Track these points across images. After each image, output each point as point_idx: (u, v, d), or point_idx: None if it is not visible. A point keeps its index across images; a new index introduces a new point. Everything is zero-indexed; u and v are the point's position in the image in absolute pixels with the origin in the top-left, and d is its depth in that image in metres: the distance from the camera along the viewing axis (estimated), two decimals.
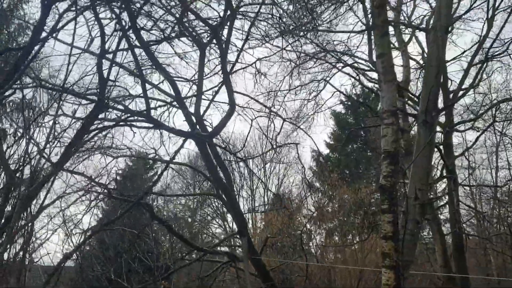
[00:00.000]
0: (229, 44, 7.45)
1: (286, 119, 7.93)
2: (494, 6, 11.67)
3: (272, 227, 20.07)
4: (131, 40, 6.39)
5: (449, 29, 12.93)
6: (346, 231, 21.80)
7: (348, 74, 11.51)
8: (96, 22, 6.04)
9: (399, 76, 12.38)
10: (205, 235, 29.22)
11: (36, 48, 4.38)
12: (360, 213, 20.45)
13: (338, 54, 9.74)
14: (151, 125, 7.35)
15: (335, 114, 26.84)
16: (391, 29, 12.33)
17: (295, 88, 9.97)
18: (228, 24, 7.20)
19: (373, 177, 23.42)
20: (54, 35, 5.24)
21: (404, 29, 12.83)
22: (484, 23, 11.67)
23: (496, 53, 12.68)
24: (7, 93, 4.91)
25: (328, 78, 11.20)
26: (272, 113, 7.53)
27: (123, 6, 5.53)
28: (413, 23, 13.16)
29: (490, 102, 14.25)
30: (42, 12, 3.72)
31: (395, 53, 12.73)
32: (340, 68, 10.32)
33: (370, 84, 13.40)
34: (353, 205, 20.54)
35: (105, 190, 6.28)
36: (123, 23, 5.73)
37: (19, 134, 5.53)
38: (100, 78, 4.67)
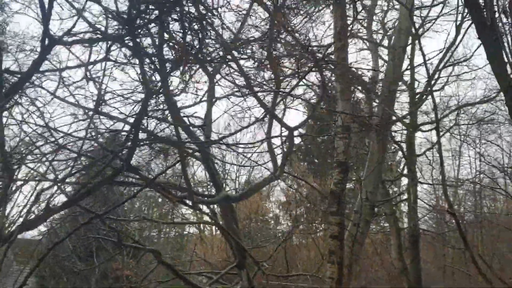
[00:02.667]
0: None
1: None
2: (462, 14, 12.24)
3: (239, 213, 20.61)
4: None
5: (419, 33, 13.55)
6: (312, 218, 22.54)
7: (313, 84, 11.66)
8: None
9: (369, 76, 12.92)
10: (174, 216, 29.59)
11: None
12: (325, 202, 21.11)
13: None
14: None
15: (308, 105, 27.28)
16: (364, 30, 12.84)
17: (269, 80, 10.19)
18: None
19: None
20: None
21: (375, 31, 13.30)
22: (448, 33, 12.24)
23: (461, 59, 13.47)
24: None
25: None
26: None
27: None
28: (386, 26, 13.65)
29: (457, 103, 14.96)
30: (41, 52, 3.68)
31: (366, 52, 13.30)
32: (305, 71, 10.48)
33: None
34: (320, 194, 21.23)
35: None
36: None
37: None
38: (132, 144, 4.55)
